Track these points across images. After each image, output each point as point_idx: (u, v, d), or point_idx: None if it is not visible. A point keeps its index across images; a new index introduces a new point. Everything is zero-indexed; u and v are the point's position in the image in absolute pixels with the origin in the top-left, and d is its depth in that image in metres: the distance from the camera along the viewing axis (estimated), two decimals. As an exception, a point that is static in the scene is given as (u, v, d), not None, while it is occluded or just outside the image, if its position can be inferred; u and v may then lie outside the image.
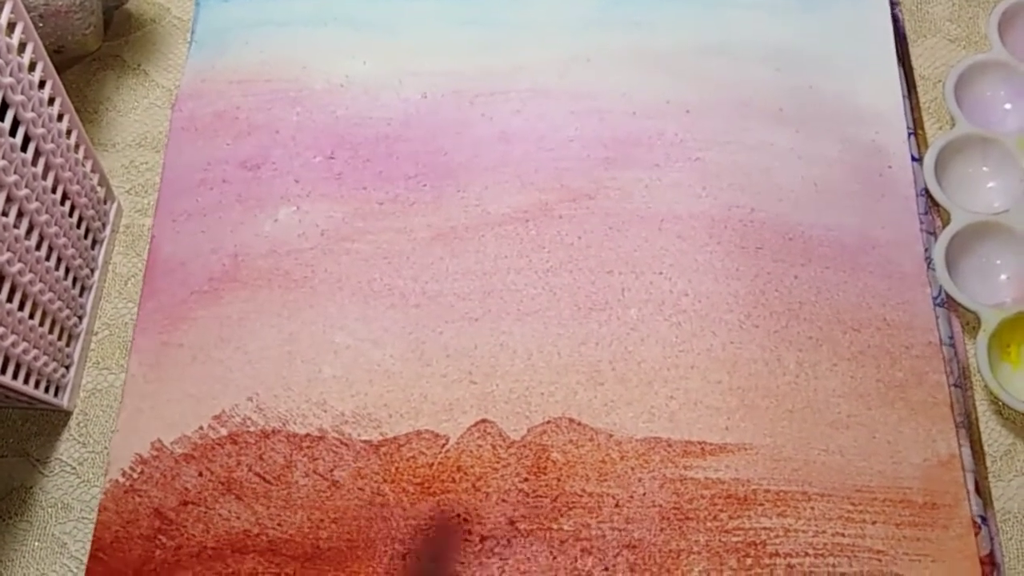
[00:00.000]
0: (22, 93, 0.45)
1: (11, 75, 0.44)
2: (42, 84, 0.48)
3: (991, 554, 0.47)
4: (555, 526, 0.48)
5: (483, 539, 0.48)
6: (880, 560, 0.47)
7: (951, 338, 0.52)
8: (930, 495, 0.48)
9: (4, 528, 0.51)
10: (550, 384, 0.51)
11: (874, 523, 0.47)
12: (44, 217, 0.48)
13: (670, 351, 0.51)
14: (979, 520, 0.48)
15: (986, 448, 0.51)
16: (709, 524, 0.47)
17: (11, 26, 0.45)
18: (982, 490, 0.49)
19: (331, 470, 0.49)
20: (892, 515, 0.47)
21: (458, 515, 0.48)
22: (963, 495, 0.48)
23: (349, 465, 0.50)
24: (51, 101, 0.49)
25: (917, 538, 0.47)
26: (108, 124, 0.61)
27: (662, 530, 0.47)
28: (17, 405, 0.52)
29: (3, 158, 0.44)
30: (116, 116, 0.61)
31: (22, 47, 0.46)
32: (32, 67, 0.47)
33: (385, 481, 0.49)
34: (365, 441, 0.50)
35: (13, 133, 0.45)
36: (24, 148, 0.46)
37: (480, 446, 0.50)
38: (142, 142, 0.61)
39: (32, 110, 0.46)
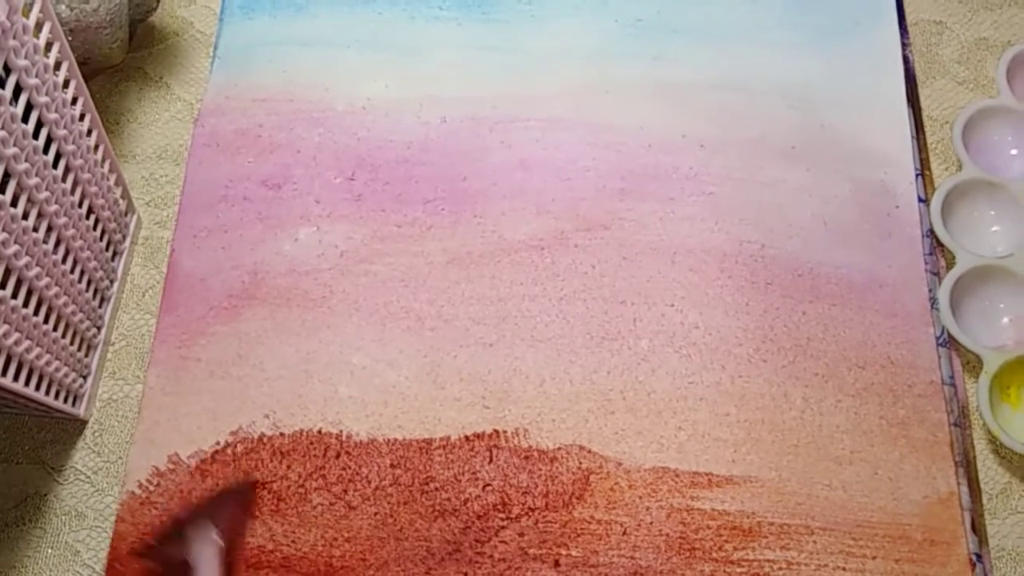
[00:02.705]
0: (56, 112, 0.46)
1: (47, 94, 0.45)
2: (74, 101, 0.49)
3: (986, 591, 0.49)
4: (564, 552, 0.49)
5: (494, 562, 0.49)
6: (879, 595, 0.48)
7: (951, 377, 0.53)
8: (929, 532, 0.49)
9: (18, 535, 0.52)
10: (561, 411, 0.52)
11: (874, 558, 0.48)
12: (71, 231, 0.49)
13: (680, 382, 0.52)
14: (974, 558, 0.49)
15: (983, 486, 0.52)
16: (714, 555, 0.48)
17: (48, 45, 0.46)
18: (978, 528, 0.50)
19: (345, 490, 0.50)
20: (892, 551, 0.49)
21: (470, 538, 0.49)
22: (961, 533, 0.49)
23: (363, 485, 0.50)
24: (82, 118, 0.50)
25: (915, 574, 0.48)
26: (129, 136, 0.62)
27: (668, 559, 0.48)
28: (34, 413, 0.53)
29: (37, 176, 0.44)
30: (137, 128, 0.62)
31: (58, 66, 0.47)
32: (66, 84, 0.48)
33: (399, 502, 0.50)
34: (379, 462, 0.51)
35: (46, 151, 0.46)
36: (55, 165, 0.47)
37: (492, 471, 0.51)
38: (163, 155, 0.61)
39: (64, 128, 0.47)
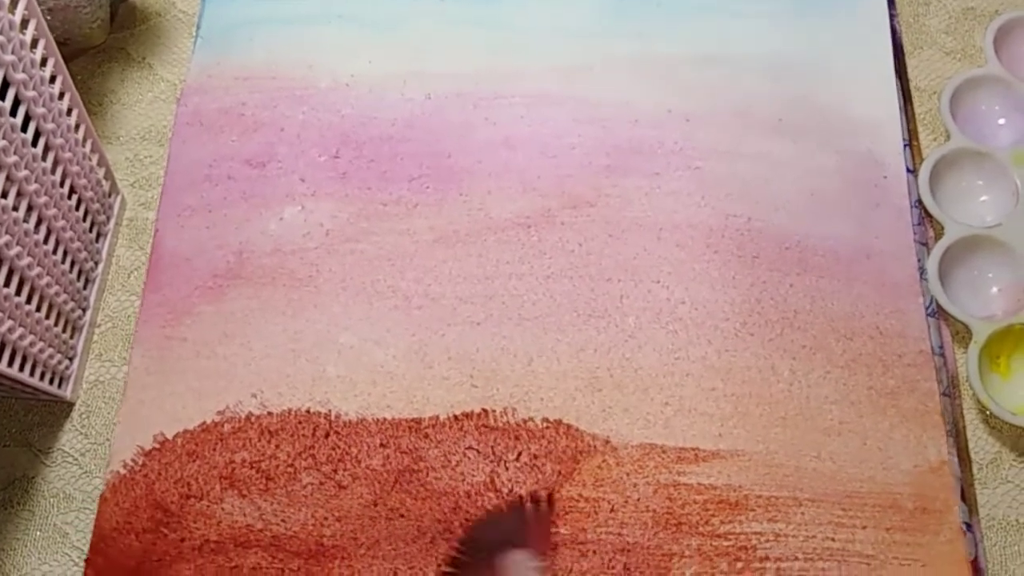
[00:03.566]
0: (34, 89, 0.46)
1: (24, 71, 0.44)
2: (52, 79, 0.49)
3: (975, 560, 0.48)
4: (552, 529, 0.49)
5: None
6: (869, 564, 0.48)
7: (941, 347, 0.53)
8: (920, 501, 0.49)
9: (6, 517, 0.51)
10: (549, 389, 0.52)
11: (864, 528, 0.48)
12: (52, 211, 0.49)
13: (667, 358, 0.52)
14: (964, 526, 0.49)
15: (972, 456, 0.52)
16: (701, 529, 0.48)
17: (24, 22, 0.45)
18: (968, 497, 0.50)
19: (335, 470, 0.50)
20: (882, 520, 0.49)
21: (460, 517, 0.49)
22: (953, 501, 0.49)
23: (353, 465, 0.50)
24: (61, 96, 0.50)
25: (907, 543, 0.48)
26: (112, 117, 0.61)
27: (656, 534, 0.48)
28: (20, 395, 0.53)
29: (15, 154, 0.44)
30: (120, 109, 0.62)
31: (34, 43, 0.46)
32: (43, 63, 0.48)
33: (389, 482, 0.50)
34: (369, 441, 0.51)
35: (24, 128, 0.45)
36: (34, 143, 0.47)
37: (480, 450, 0.51)
38: (146, 135, 0.61)
39: (43, 106, 0.47)
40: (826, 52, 0.60)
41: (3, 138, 0.43)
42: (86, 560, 0.49)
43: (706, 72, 0.60)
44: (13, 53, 0.43)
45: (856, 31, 0.61)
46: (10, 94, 0.43)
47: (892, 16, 0.62)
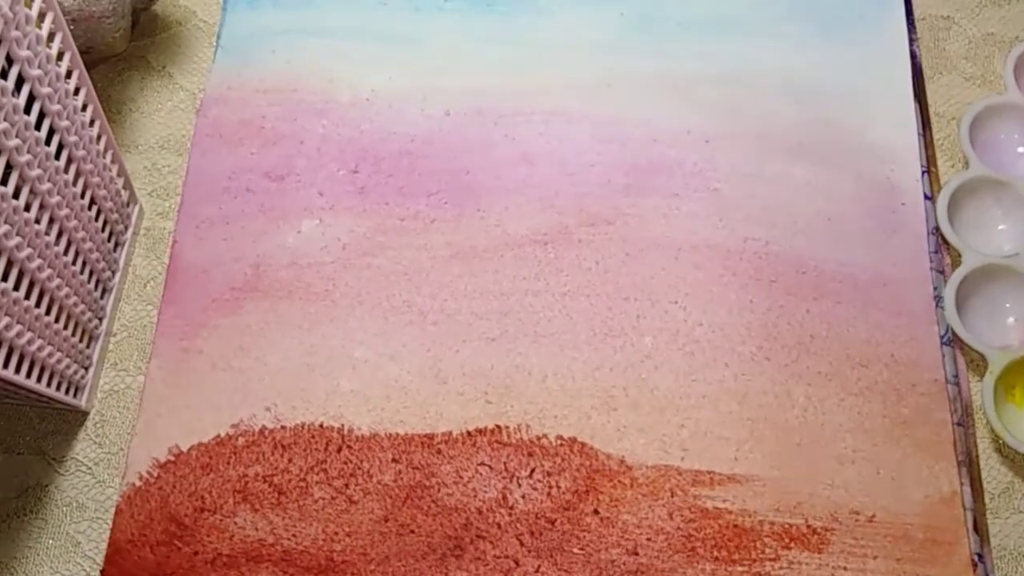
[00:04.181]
0: (58, 103, 0.46)
1: (49, 85, 0.45)
2: (76, 91, 0.49)
3: (987, 591, 0.49)
4: (566, 548, 0.49)
5: (495, 558, 0.49)
6: (880, 594, 0.48)
7: (956, 376, 0.53)
8: (931, 531, 0.49)
9: (19, 525, 0.52)
10: (564, 407, 0.52)
11: (875, 557, 0.48)
12: (73, 223, 0.49)
13: (683, 380, 0.52)
14: (976, 558, 0.49)
15: (985, 486, 0.52)
16: (716, 554, 0.48)
17: (51, 36, 0.45)
18: (980, 527, 0.50)
19: (346, 484, 0.50)
20: (893, 550, 0.49)
21: (471, 534, 0.49)
22: (963, 532, 0.49)
23: (365, 480, 0.50)
24: (84, 108, 0.50)
25: (917, 574, 0.48)
26: (132, 125, 0.62)
27: (670, 557, 0.48)
28: (35, 404, 0.53)
29: (39, 167, 0.44)
30: (140, 117, 0.62)
31: (60, 56, 0.46)
32: (68, 75, 0.48)
33: (400, 497, 0.50)
34: (381, 456, 0.51)
35: (48, 142, 0.45)
36: (58, 156, 0.47)
37: (492, 466, 0.51)
38: (165, 145, 0.61)
39: (67, 119, 0.47)
40: (846, 75, 0.60)
41: (28, 152, 0.43)
42: (101, 572, 0.49)
43: (726, 92, 0.60)
44: (40, 67, 0.43)
45: (876, 55, 0.61)
46: (35, 108, 0.44)
47: (912, 40, 0.62)
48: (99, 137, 0.52)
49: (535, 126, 0.59)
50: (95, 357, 0.55)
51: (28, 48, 0.42)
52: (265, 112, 0.60)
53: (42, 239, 0.46)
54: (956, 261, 0.56)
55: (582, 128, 0.59)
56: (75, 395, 0.53)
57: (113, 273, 0.56)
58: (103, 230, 0.54)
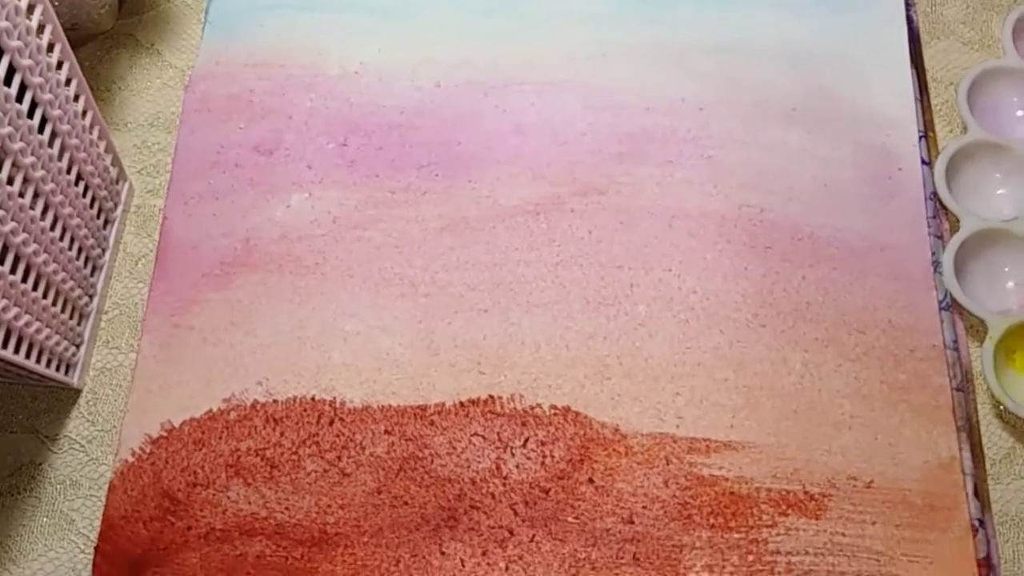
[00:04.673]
0: (40, 75, 0.45)
1: (30, 57, 0.44)
2: (59, 65, 0.48)
3: (988, 557, 0.48)
4: (560, 517, 0.48)
5: (489, 528, 0.48)
6: (879, 560, 0.47)
7: (955, 342, 0.53)
8: (930, 497, 0.48)
9: (13, 504, 0.51)
10: (557, 377, 0.51)
11: (874, 523, 0.48)
12: (59, 198, 0.49)
13: (677, 348, 0.52)
14: (977, 523, 0.48)
15: (986, 451, 0.51)
16: (712, 520, 0.48)
17: (30, 8, 0.45)
18: (980, 493, 0.50)
19: (339, 457, 0.50)
20: (892, 516, 0.48)
21: (464, 504, 0.49)
22: (962, 498, 0.48)
23: (357, 452, 0.50)
24: (68, 82, 0.49)
25: (916, 539, 0.48)
26: (120, 103, 0.61)
27: (666, 525, 0.48)
28: (27, 382, 0.52)
29: (21, 140, 0.44)
30: (128, 95, 0.61)
31: (41, 28, 0.46)
32: (50, 48, 0.47)
33: (393, 469, 0.50)
34: (373, 429, 0.51)
35: (31, 115, 0.45)
36: (41, 130, 0.46)
37: (486, 436, 0.50)
38: (154, 122, 0.61)
39: (49, 92, 0.46)
40: (842, 41, 0.60)
41: (9, 124, 0.42)
42: (95, 548, 0.49)
43: (720, 59, 0.59)
44: (20, 39, 0.43)
45: (873, 19, 0.60)
46: (16, 80, 0.43)
47: (909, 6, 0.61)
48: (84, 112, 0.52)
49: (527, 96, 0.58)
50: (86, 335, 0.54)
51: (7, 19, 0.41)
52: (254, 86, 0.59)
53: (27, 213, 0.45)
54: (954, 226, 0.55)
55: (574, 98, 0.58)
56: (67, 373, 0.52)
57: (103, 251, 0.56)
58: (92, 207, 0.54)
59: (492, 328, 0.52)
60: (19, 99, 0.44)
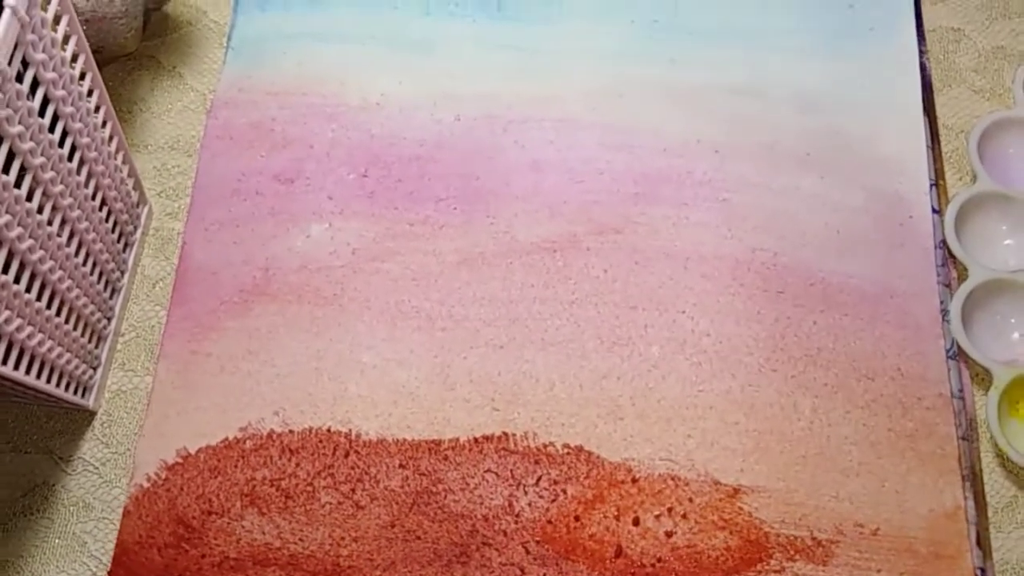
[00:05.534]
0: (72, 105, 0.46)
1: (63, 88, 0.45)
2: (90, 93, 0.49)
3: (989, 605, 0.49)
4: (571, 556, 0.49)
5: (501, 566, 0.49)
6: (883, 607, 0.48)
7: (960, 391, 0.53)
8: (935, 546, 0.49)
9: (26, 524, 0.52)
10: (571, 415, 0.52)
11: (879, 571, 0.49)
12: (84, 224, 0.49)
13: (690, 390, 0.52)
14: (979, 572, 0.49)
15: (988, 500, 0.52)
16: (722, 565, 0.49)
17: (66, 38, 0.45)
18: (983, 542, 0.50)
19: (353, 489, 0.50)
20: (897, 564, 0.49)
21: (477, 540, 0.49)
22: (966, 547, 0.49)
23: (372, 485, 0.51)
24: (96, 110, 0.50)
25: (919, 587, 0.48)
26: (141, 125, 0.62)
27: (675, 567, 0.49)
28: (43, 403, 0.53)
29: (52, 169, 0.44)
30: (150, 118, 0.62)
31: (75, 58, 0.47)
32: (82, 77, 0.48)
33: (407, 503, 0.50)
34: (388, 462, 0.51)
35: (62, 144, 0.46)
36: (71, 158, 0.47)
37: (499, 473, 0.51)
38: (175, 145, 0.61)
39: (80, 121, 0.47)
40: (855, 87, 0.61)
41: (42, 155, 0.43)
42: (108, 573, 0.49)
43: (736, 103, 0.60)
44: (55, 71, 0.43)
45: (885, 67, 0.61)
46: (50, 111, 0.44)
47: (922, 53, 0.62)
48: (111, 138, 0.52)
49: (545, 133, 0.59)
50: (103, 357, 0.55)
51: (43, 51, 0.42)
52: (275, 115, 0.60)
53: (54, 241, 0.46)
54: (962, 275, 0.56)
55: (591, 136, 0.59)
56: (83, 395, 0.53)
57: (122, 273, 0.57)
58: (113, 230, 0.54)
59: (507, 365, 0.53)
60: (51, 129, 0.44)
